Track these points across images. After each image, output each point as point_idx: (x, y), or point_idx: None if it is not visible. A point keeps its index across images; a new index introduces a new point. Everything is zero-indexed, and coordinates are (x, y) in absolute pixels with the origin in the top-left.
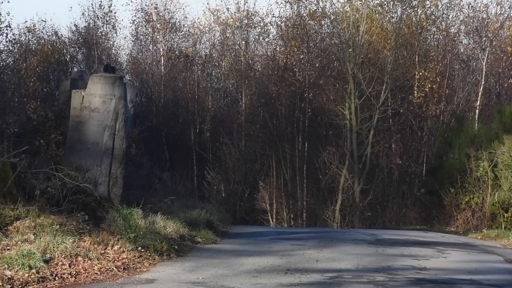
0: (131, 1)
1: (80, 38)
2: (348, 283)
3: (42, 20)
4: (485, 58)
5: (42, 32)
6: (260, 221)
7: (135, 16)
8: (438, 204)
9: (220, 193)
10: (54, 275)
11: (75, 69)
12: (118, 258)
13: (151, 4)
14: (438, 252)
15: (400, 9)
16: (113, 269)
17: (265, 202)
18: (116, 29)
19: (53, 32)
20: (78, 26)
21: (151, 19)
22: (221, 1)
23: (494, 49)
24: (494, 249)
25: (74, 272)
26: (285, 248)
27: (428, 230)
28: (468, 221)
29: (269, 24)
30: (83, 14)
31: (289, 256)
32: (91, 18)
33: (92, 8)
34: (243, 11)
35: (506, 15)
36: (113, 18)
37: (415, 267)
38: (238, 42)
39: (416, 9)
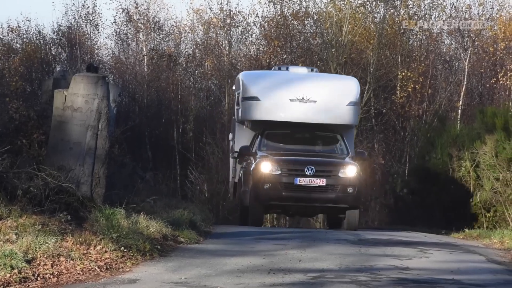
0: (113, 1)
1: (62, 38)
2: (330, 283)
3: (27, 19)
4: (468, 58)
5: (26, 31)
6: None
7: (117, 15)
8: (421, 204)
9: (203, 193)
10: (36, 275)
11: (58, 69)
12: (100, 258)
13: (134, 3)
14: (420, 252)
15: (383, 9)
16: (95, 269)
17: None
18: (99, 28)
19: (37, 31)
20: (61, 25)
21: (133, 19)
22: (204, 0)
23: (476, 49)
24: (476, 249)
25: (56, 272)
26: (268, 248)
27: (410, 230)
28: (450, 221)
29: (252, 24)
30: (66, 13)
31: (272, 256)
32: (74, 18)
33: (75, 7)
34: (226, 11)
35: (488, 16)
36: (96, 18)
37: (398, 266)
38: (221, 42)
39: (399, 9)
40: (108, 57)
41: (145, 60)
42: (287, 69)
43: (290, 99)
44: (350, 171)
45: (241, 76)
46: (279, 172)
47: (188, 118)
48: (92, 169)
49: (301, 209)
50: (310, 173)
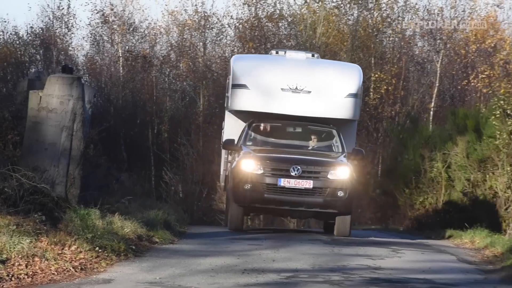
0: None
1: (37, 39)
2: (304, 283)
3: (3, 20)
4: (440, 60)
5: (2, 32)
6: (217, 222)
7: (92, 17)
8: (393, 204)
9: (177, 193)
10: (10, 275)
11: (33, 70)
12: (75, 258)
13: (109, 5)
14: (392, 252)
15: (356, 12)
16: (70, 269)
17: (223, 203)
18: (74, 30)
19: (13, 33)
20: (34, 27)
21: (108, 20)
22: (179, 2)
23: (448, 52)
24: (447, 249)
25: (31, 273)
26: (242, 248)
27: (382, 230)
28: (423, 221)
29: (226, 26)
30: (41, 14)
31: (246, 256)
32: (49, 19)
33: (51, 8)
34: (201, 13)
35: (460, 18)
36: (71, 19)
37: (370, 266)
38: (196, 43)
39: (372, 11)
40: (83, 59)
41: (120, 61)
42: (285, 53)
43: (282, 89)
44: (342, 172)
45: (232, 60)
46: (262, 171)
47: (163, 119)
48: (67, 169)
49: (286, 212)
50: (296, 174)
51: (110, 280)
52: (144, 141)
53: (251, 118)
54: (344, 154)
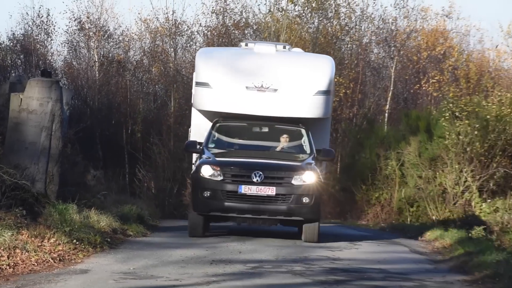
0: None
1: (18, 45)
2: (268, 273)
3: None
4: (394, 66)
5: None
6: (187, 216)
7: (69, 24)
8: (351, 199)
9: (150, 189)
10: None
11: (14, 74)
12: (54, 250)
13: (86, 13)
14: (350, 244)
15: (317, 20)
16: (49, 260)
17: None
18: (52, 36)
19: None
20: (15, 33)
21: (84, 27)
22: (152, 11)
23: (401, 58)
24: (400, 241)
25: (12, 264)
26: (210, 241)
27: (341, 223)
28: (377, 215)
29: (196, 33)
30: (21, 21)
31: (214, 248)
32: (29, 26)
33: (30, 16)
34: (172, 20)
35: (412, 27)
36: (50, 26)
37: (330, 257)
38: (167, 49)
39: (331, 20)
40: (61, 63)
41: (96, 66)
42: (254, 46)
43: (247, 87)
44: (307, 177)
45: (197, 54)
46: (221, 178)
47: (136, 120)
48: (46, 167)
49: (249, 220)
50: (257, 180)
51: (87, 270)
52: (119, 140)
53: (216, 117)
54: (312, 156)
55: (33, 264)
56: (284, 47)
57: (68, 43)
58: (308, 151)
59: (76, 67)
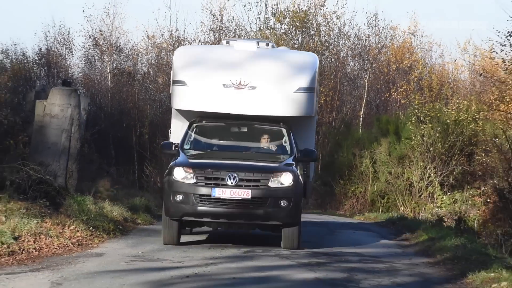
0: (83, 29)
1: (42, 59)
2: (259, 256)
3: (14, 44)
4: (367, 77)
5: (14, 53)
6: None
7: (85, 41)
8: (331, 192)
9: (156, 184)
10: (21, 249)
11: (38, 84)
12: (73, 236)
13: (99, 31)
14: (330, 231)
15: (300, 37)
16: (69, 245)
17: None
18: (72, 51)
19: (21, 54)
20: (41, 48)
21: (98, 43)
22: (157, 28)
23: (374, 70)
24: (373, 228)
25: (37, 247)
26: (208, 229)
27: (322, 213)
28: (353, 206)
29: None
30: (45, 39)
31: (212, 235)
32: (51, 42)
33: (53, 34)
34: (175, 37)
35: (383, 44)
36: (69, 42)
37: (312, 242)
38: (170, 62)
39: (313, 37)
40: (79, 74)
41: (109, 76)
42: (236, 42)
43: (224, 85)
44: (285, 179)
45: (175, 52)
46: (194, 180)
47: (144, 123)
48: (66, 164)
49: (225, 225)
50: (232, 183)
51: (102, 253)
52: (129, 141)
53: (194, 117)
54: (293, 156)
55: (56, 248)
56: (267, 45)
57: (84, 57)
58: (289, 151)
59: (91, 78)
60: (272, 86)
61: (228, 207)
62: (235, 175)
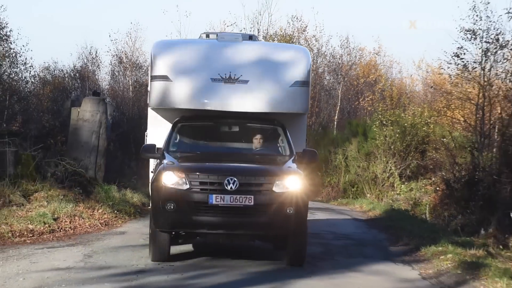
0: (110, 49)
1: (76, 74)
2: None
3: (54, 62)
4: (340, 88)
5: (54, 69)
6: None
7: (111, 59)
8: (311, 183)
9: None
10: (60, 228)
11: (73, 94)
12: (101, 217)
13: (123, 51)
14: (310, 214)
15: None
16: (98, 225)
17: None
18: (99, 67)
19: (60, 70)
20: (75, 66)
21: (122, 61)
22: None
23: (346, 83)
24: (345, 212)
25: (73, 227)
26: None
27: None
28: (329, 194)
29: None
30: (78, 58)
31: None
32: (84, 61)
33: (85, 54)
34: None
35: (353, 61)
36: (98, 61)
37: None
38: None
39: None
40: (106, 86)
41: (131, 88)
42: (216, 36)
43: (213, 79)
44: (291, 183)
45: (152, 46)
46: (188, 186)
47: None
48: (95, 159)
49: (223, 237)
50: (232, 188)
51: (124, 232)
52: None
53: (176, 116)
54: (292, 158)
55: (87, 227)
56: (251, 37)
57: (111, 72)
58: (288, 152)
59: (116, 89)
60: (267, 80)
61: (228, 216)
62: (235, 179)
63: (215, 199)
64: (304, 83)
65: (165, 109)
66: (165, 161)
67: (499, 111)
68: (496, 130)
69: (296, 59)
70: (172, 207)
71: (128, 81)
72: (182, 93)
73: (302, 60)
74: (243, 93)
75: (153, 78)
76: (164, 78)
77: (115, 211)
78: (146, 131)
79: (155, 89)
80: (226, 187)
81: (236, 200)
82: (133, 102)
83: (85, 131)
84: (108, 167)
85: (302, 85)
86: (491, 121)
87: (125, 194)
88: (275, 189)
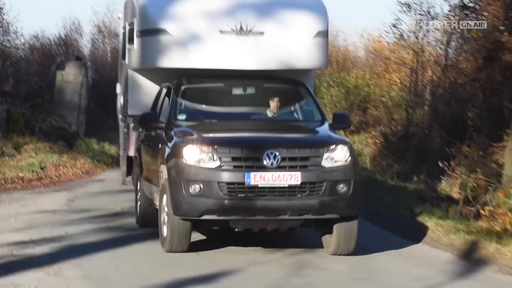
0: (91, 20)
1: (62, 41)
2: None
3: (43, 31)
4: None
5: (42, 37)
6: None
7: (92, 29)
8: None
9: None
10: (46, 176)
11: (58, 59)
12: (83, 167)
13: (102, 21)
14: None
15: None
16: (80, 173)
17: None
18: (82, 36)
19: (47, 38)
20: (60, 34)
21: (102, 31)
22: None
23: None
24: None
25: (58, 175)
26: None
27: None
28: None
29: None
30: (63, 27)
31: None
32: (68, 30)
33: (69, 24)
34: None
35: None
36: (81, 30)
37: None
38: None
39: None
40: (88, 52)
41: (109, 54)
42: None
43: (221, 31)
44: (341, 154)
45: None
46: (218, 163)
47: None
48: (78, 116)
49: (259, 225)
50: (272, 164)
51: (103, 179)
52: None
53: (169, 77)
54: (326, 124)
55: (70, 176)
56: None
57: (91, 40)
58: (318, 117)
59: (96, 55)
60: (285, 30)
61: (269, 199)
62: (276, 152)
63: (253, 178)
64: (326, 33)
65: (153, 71)
66: (177, 133)
67: (430, 74)
68: (428, 91)
69: (316, 5)
70: (198, 189)
71: (107, 48)
72: (184, 49)
73: (322, 6)
74: (258, 47)
75: (144, 33)
76: (162, 32)
77: (95, 161)
78: (120, 95)
79: (146, 46)
80: (266, 163)
81: (279, 179)
82: (111, 67)
83: (69, 92)
84: (88, 123)
85: (325, 36)
86: (423, 83)
87: (103, 147)
88: (324, 163)
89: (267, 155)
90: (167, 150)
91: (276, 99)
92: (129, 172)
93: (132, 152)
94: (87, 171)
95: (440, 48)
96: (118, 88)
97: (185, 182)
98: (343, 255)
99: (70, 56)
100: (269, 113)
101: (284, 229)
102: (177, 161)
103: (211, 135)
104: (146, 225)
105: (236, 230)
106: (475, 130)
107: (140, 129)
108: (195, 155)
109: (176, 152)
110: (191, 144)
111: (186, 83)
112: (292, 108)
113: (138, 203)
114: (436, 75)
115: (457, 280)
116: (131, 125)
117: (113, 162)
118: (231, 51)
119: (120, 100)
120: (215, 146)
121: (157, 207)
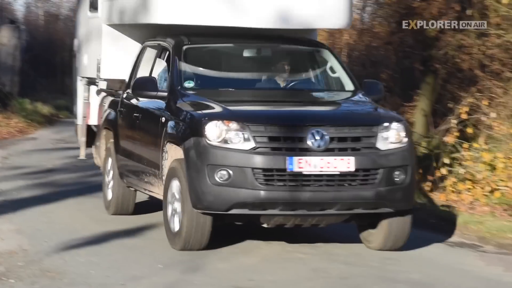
0: None
1: None
2: None
3: None
4: None
5: None
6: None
7: None
8: None
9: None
10: None
11: None
12: (16, 126)
13: None
14: None
15: None
16: (13, 132)
17: None
18: (16, 0)
19: None
20: None
21: None
22: None
23: None
24: None
25: None
26: None
27: None
28: None
29: None
30: None
31: None
32: None
33: None
34: None
35: None
36: None
37: None
38: None
39: None
40: (21, 16)
41: (42, 18)
42: None
43: None
44: (397, 133)
45: None
46: (252, 144)
47: (64, 49)
48: (12, 77)
49: (299, 220)
50: (320, 145)
51: (36, 138)
52: (55, 61)
53: (154, 35)
54: (360, 93)
55: (4, 134)
56: None
57: (25, 4)
58: (351, 86)
59: (29, 18)
60: None
61: (316, 190)
62: (323, 132)
63: (297, 164)
64: None
65: (135, 26)
66: (186, 104)
67: (347, 38)
68: (345, 53)
69: None
70: (227, 177)
71: (39, 11)
72: (188, 5)
73: None
74: (272, 3)
75: None
76: None
77: (28, 121)
78: (79, 54)
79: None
80: (311, 144)
81: (329, 165)
82: (43, 29)
83: (3, 54)
84: (22, 84)
85: None
86: (340, 46)
87: (36, 106)
88: (379, 145)
89: (312, 134)
90: (180, 126)
91: (289, 64)
92: (88, 144)
93: (94, 121)
94: (21, 130)
95: (357, 13)
96: (76, 45)
97: (210, 168)
98: (393, 250)
99: (4, 20)
100: (280, 81)
101: (324, 225)
102: (198, 141)
103: (239, 108)
104: (121, 213)
105: (264, 226)
106: (388, 91)
107: (105, 94)
108: (221, 134)
109: (195, 130)
110: (216, 120)
111: (188, 42)
112: (318, 76)
113: (109, 185)
114: (352, 38)
115: None
116: (93, 88)
117: (46, 121)
118: (239, 5)
119: (83, 60)
120: (247, 123)
121: (154, 195)
